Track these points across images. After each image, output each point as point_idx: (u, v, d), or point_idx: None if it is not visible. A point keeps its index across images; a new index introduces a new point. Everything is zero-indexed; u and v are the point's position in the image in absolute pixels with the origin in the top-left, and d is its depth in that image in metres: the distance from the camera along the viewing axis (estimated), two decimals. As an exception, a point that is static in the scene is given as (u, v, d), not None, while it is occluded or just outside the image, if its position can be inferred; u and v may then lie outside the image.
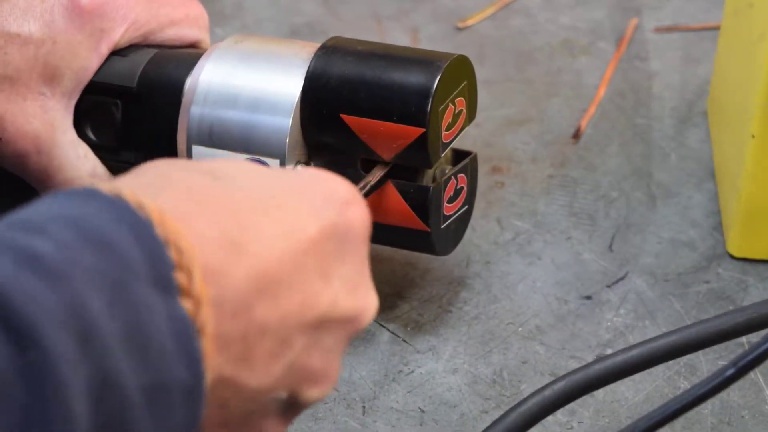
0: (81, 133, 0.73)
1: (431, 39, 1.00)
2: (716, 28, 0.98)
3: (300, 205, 0.49)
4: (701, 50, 0.99)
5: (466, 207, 0.75)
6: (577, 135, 0.91)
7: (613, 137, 0.91)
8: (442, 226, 0.72)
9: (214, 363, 0.45)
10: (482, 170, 0.86)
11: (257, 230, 0.46)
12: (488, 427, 0.61)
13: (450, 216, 0.73)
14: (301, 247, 0.47)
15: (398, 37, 1.00)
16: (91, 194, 0.44)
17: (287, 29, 1.01)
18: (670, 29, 1.01)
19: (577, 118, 0.93)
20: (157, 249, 0.43)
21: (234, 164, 0.50)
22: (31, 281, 0.40)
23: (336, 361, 0.50)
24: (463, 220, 0.75)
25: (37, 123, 0.70)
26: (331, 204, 0.50)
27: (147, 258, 0.43)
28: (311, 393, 0.50)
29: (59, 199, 0.44)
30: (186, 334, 0.43)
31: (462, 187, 0.74)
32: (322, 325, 0.49)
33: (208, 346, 0.44)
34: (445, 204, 0.72)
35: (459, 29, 1.01)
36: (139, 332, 0.42)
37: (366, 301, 0.51)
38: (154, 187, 0.46)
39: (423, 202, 0.70)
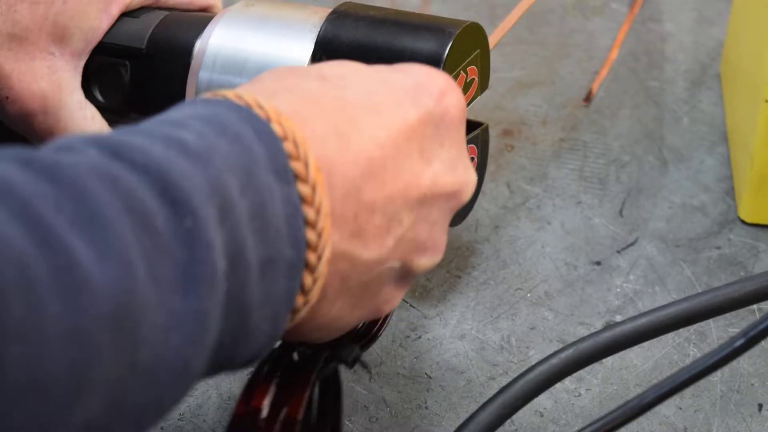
0: (89, 95, 0.72)
1: (442, -1, 0.99)
2: (731, -10, 0.96)
3: (400, 96, 0.54)
4: (715, 11, 0.98)
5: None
6: (588, 98, 0.90)
7: (625, 100, 0.90)
8: None
9: (333, 239, 0.50)
10: (493, 133, 0.85)
11: (362, 123, 0.52)
12: (496, 394, 0.61)
13: None
14: (402, 134, 0.53)
15: (409, -3, 0.99)
16: (220, 100, 0.50)
17: (297, -12, 1.00)
18: (684, -10, 1.00)
19: (588, 81, 0.92)
20: (276, 143, 0.49)
21: (341, 65, 0.56)
22: (181, 160, 0.45)
23: (442, 232, 0.56)
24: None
25: (45, 83, 0.70)
26: (428, 93, 0.55)
27: (267, 150, 0.48)
28: (422, 262, 0.55)
29: (193, 104, 0.50)
30: (296, 218, 0.49)
31: (472, 158, 0.73)
32: (426, 201, 0.54)
33: (325, 224, 0.50)
34: None
35: (470, -11, 1.00)
36: (262, 212, 0.47)
37: (465, 177, 0.56)
38: (271, 91, 0.52)
39: None
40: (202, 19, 0.72)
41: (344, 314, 0.54)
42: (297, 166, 0.49)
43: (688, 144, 0.86)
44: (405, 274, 0.56)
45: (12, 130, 0.72)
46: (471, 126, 0.74)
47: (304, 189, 0.49)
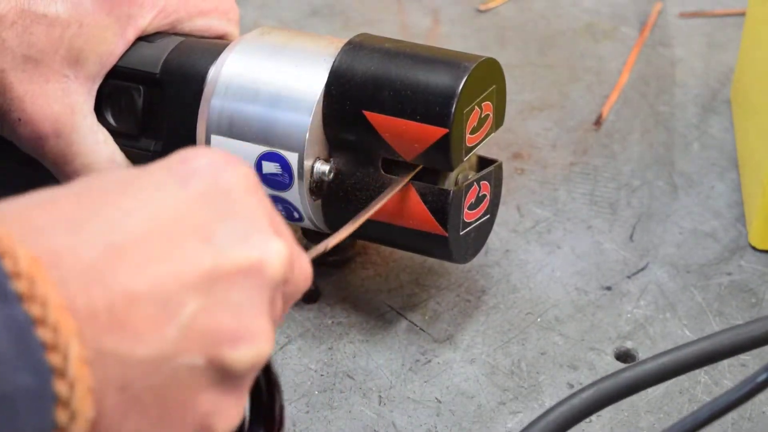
0: (101, 118, 0.72)
1: (452, 21, 0.99)
2: (741, 14, 0.97)
3: (163, 181, 0.50)
4: (726, 37, 0.98)
5: (487, 216, 0.73)
6: (598, 122, 0.90)
7: (635, 125, 0.90)
8: (461, 233, 0.71)
9: (83, 335, 0.44)
10: (502, 156, 0.85)
11: (104, 211, 0.47)
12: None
13: (470, 223, 0.72)
14: (165, 216, 0.48)
15: (418, 19, 0.99)
16: None
17: (307, 9, 1.00)
18: (694, 15, 1.00)
19: (599, 105, 0.92)
20: None
21: (104, 174, 0.51)
22: None
23: (256, 316, 0.49)
24: (484, 230, 0.74)
25: (58, 106, 0.70)
26: (200, 176, 0.50)
27: None
28: (237, 354, 0.48)
29: None
30: (26, 335, 0.43)
31: (485, 195, 0.73)
32: (215, 281, 0.48)
33: (59, 316, 0.44)
34: (466, 210, 0.71)
35: (480, 12, 1.00)
36: None
37: (263, 247, 0.50)
38: (5, 208, 0.47)
39: (442, 206, 0.69)
40: (217, 46, 0.72)
41: None
42: (7, 263, 0.44)
43: (698, 169, 0.86)
44: (222, 374, 0.48)
45: (24, 152, 0.72)
46: (485, 163, 0.74)
47: (21, 286, 0.44)
